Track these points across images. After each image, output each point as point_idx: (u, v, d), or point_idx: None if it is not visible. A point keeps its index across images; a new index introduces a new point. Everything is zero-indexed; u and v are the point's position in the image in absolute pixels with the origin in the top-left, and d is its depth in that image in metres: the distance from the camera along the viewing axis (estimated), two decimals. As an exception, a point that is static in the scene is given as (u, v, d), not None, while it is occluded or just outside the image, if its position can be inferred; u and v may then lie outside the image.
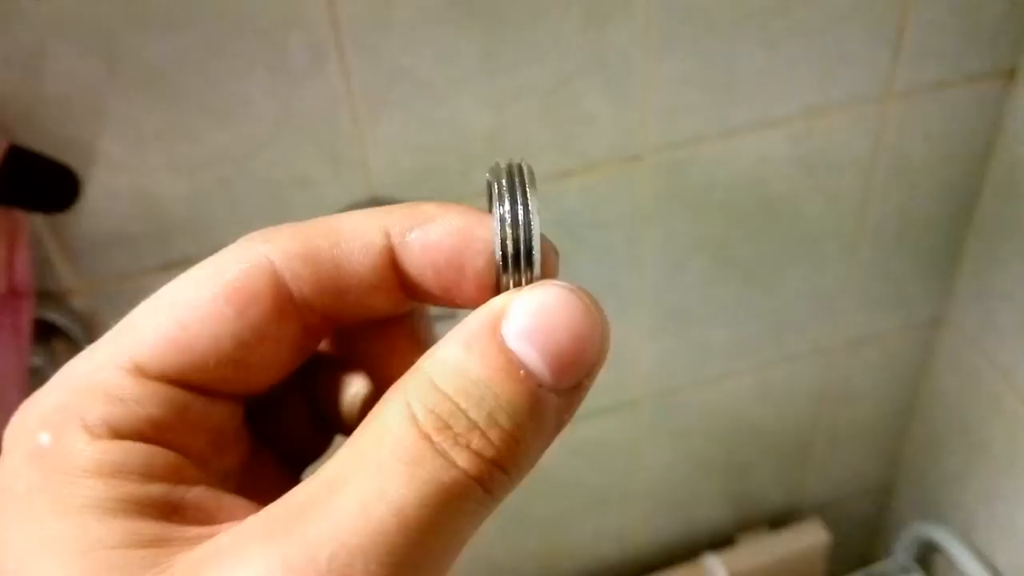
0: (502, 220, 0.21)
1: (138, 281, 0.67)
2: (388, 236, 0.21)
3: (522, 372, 0.19)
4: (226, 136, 0.62)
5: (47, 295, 0.65)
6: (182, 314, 0.20)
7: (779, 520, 1.15)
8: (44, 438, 0.19)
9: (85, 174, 0.59)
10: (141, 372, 0.20)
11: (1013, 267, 0.87)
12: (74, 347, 0.67)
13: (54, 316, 0.66)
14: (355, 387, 0.25)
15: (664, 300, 0.86)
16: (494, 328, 0.19)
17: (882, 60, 0.75)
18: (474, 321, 0.20)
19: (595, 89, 0.68)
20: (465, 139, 0.67)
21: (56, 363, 0.67)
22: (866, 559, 1.23)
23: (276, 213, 0.66)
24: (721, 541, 1.12)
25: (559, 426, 0.20)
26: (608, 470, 1.01)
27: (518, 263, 0.21)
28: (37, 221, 0.61)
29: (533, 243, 0.21)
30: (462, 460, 0.18)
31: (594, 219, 0.76)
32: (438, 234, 0.21)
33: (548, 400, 0.19)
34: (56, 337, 0.67)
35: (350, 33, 0.60)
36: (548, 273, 0.22)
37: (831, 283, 0.91)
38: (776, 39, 0.70)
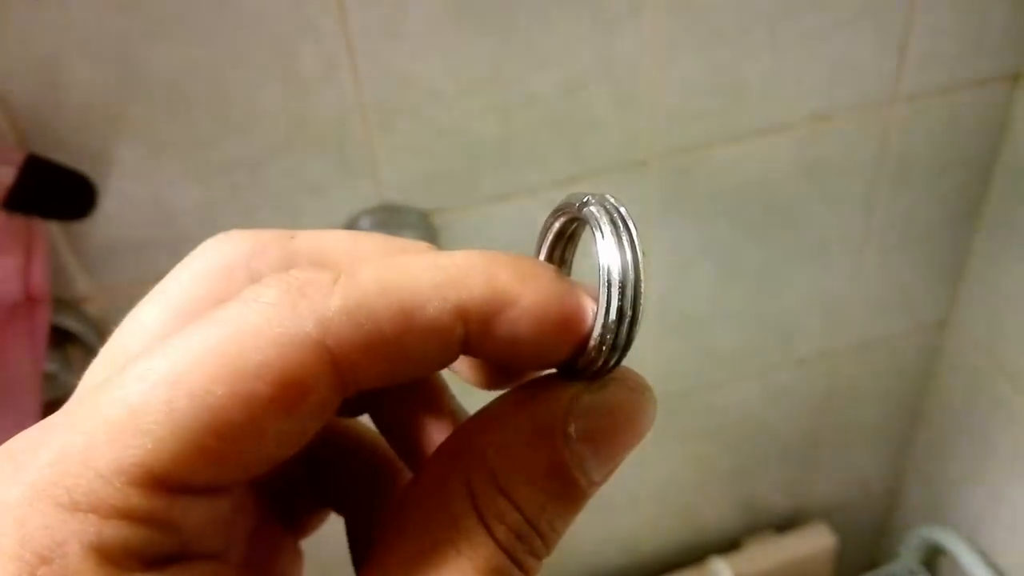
0: (610, 284, 0.19)
1: (151, 288, 0.67)
2: (465, 322, 0.18)
3: (582, 480, 0.19)
4: (239, 144, 0.63)
5: (62, 302, 0.66)
6: (217, 420, 0.15)
7: (786, 524, 1.15)
8: (43, 573, 0.14)
9: (101, 182, 0.60)
10: (160, 484, 0.15)
11: (1018, 270, 0.87)
12: (89, 353, 0.68)
13: (69, 322, 0.67)
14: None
15: (671, 304, 0.86)
16: (562, 427, 0.19)
17: (887, 65, 0.75)
18: (544, 414, 0.19)
19: (602, 95, 0.69)
20: (474, 146, 0.68)
21: (71, 369, 0.68)
22: (873, 562, 1.23)
23: (289, 220, 0.67)
24: (728, 545, 1.12)
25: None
26: (615, 474, 1.01)
27: (620, 326, 0.19)
28: (53, 229, 0.62)
29: (639, 308, 0.19)
30: (530, 566, 0.19)
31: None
32: (527, 323, 0.18)
33: (592, 492, 0.20)
34: (71, 343, 0.68)
35: (361, 43, 0.61)
36: None
37: (837, 287, 0.91)
38: (782, 45, 0.71)
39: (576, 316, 0.19)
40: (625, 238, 0.19)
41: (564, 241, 0.22)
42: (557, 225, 0.21)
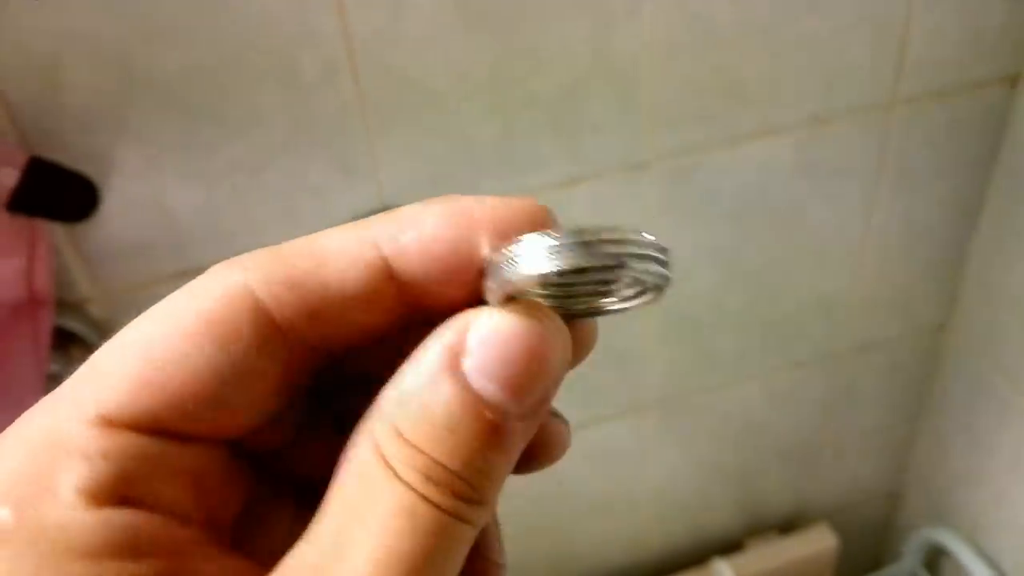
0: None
1: (153, 289, 0.68)
2: (377, 247, 0.19)
3: (488, 414, 0.18)
4: (240, 147, 0.63)
5: (65, 303, 0.66)
6: (153, 352, 0.18)
7: (788, 525, 1.16)
8: (4, 514, 0.16)
9: (103, 184, 0.60)
10: (109, 423, 0.17)
11: (1018, 272, 0.87)
12: (90, 353, 0.68)
13: (72, 323, 0.67)
14: None
15: (672, 307, 0.86)
16: (454, 367, 0.18)
17: (886, 69, 0.75)
18: (433, 357, 0.18)
19: (602, 98, 0.69)
20: (474, 148, 0.69)
21: (73, 369, 0.68)
22: (875, 563, 1.23)
23: (288, 222, 0.67)
24: (730, 546, 1.12)
25: (526, 440, 0.20)
26: (617, 476, 1.01)
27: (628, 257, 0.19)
28: (56, 231, 0.63)
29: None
30: (451, 506, 0.18)
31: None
32: (435, 227, 0.19)
33: (514, 427, 0.19)
34: (73, 344, 0.68)
35: (361, 47, 0.61)
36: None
37: (837, 289, 0.92)
38: (781, 47, 0.71)
39: (482, 204, 0.20)
40: None
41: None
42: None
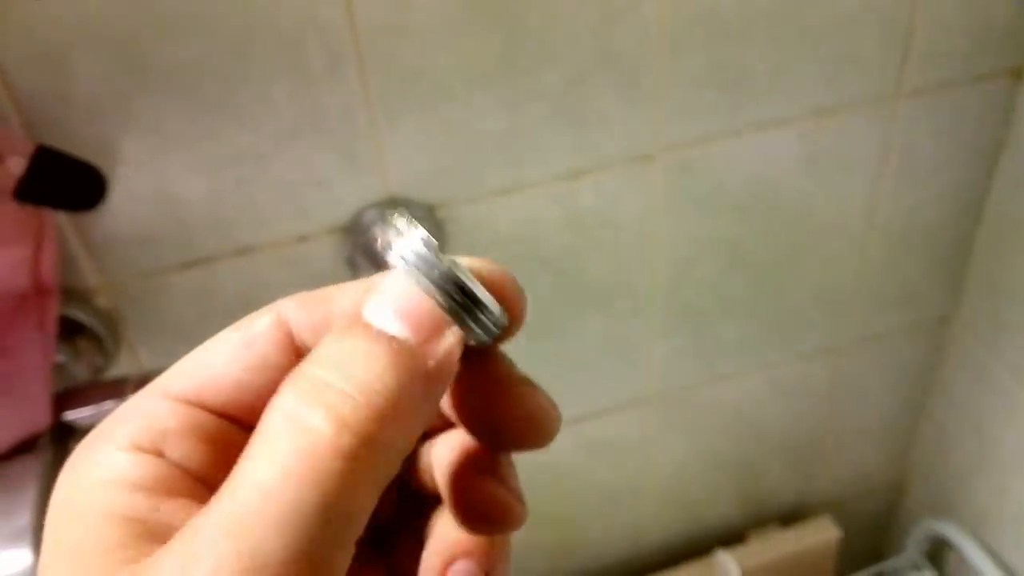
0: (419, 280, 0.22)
1: (159, 279, 0.68)
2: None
3: (378, 332, 0.21)
4: (246, 137, 0.63)
5: (71, 293, 0.67)
6: (206, 349, 0.23)
7: (790, 517, 1.16)
8: (79, 453, 0.22)
9: (110, 174, 0.61)
10: (166, 394, 0.22)
11: (1021, 265, 0.87)
12: (97, 344, 0.69)
13: (78, 313, 0.67)
14: None
15: (675, 298, 0.87)
16: (356, 309, 0.22)
17: (891, 60, 0.75)
18: (341, 317, 0.23)
19: (608, 90, 0.69)
20: (480, 140, 0.69)
21: (79, 359, 0.69)
22: (877, 555, 1.24)
23: (294, 213, 0.68)
24: (733, 538, 1.13)
25: (432, 385, 0.21)
26: (620, 467, 1.02)
27: (464, 305, 0.22)
28: (62, 220, 0.63)
29: (466, 284, 0.22)
30: (318, 419, 0.19)
31: (607, 218, 0.77)
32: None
33: (412, 353, 0.21)
34: (80, 334, 0.68)
35: (368, 38, 0.61)
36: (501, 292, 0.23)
37: (841, 281, 0.92)
38: (785, 40, 0.71)
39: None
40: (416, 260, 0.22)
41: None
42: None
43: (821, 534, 1.10)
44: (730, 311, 0.90)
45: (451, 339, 0.22)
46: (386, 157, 0.67)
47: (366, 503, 0.19)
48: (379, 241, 0.25)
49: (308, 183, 0.67)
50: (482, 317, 0.22)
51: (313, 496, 0.18)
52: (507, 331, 0.24)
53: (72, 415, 0.65)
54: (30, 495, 0.61)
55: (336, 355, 0.21)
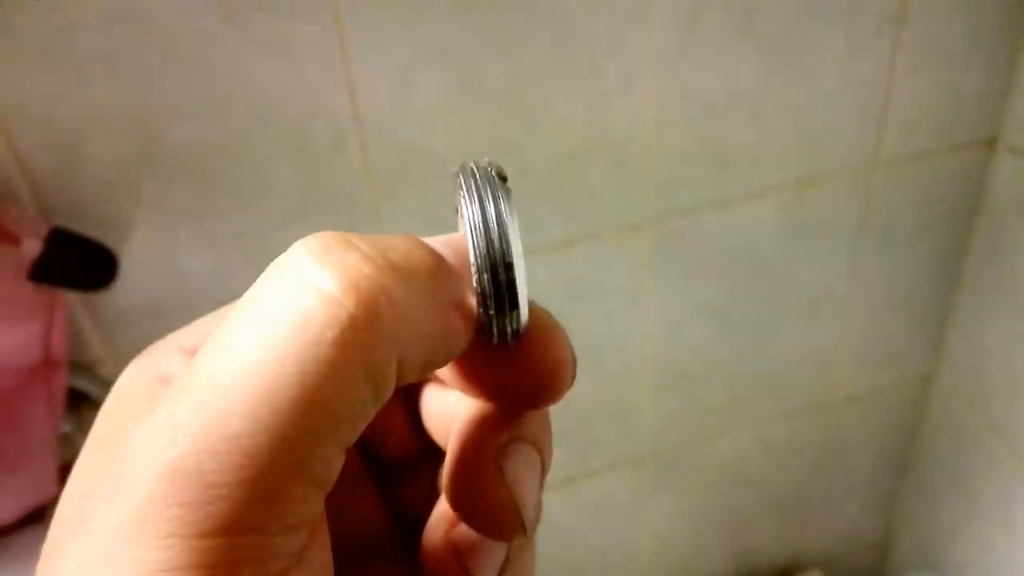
0: (475, 246, 0.19)
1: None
2: None
3: (420, 240, 0.19)
4: (252, 214, 0.66)
5: (77, 364, 0.68)
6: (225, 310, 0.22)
7: (781, 573, 1.17)
8: (146, 352, 0.22)
9: (119, 251, 0.62)
10: (181, 349, 0.22)
11: (1000, 325, 0.89)
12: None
13: (83, 383, 0.69)
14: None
15: (665, 361, 0.88)
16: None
17: (868, 132, 0.78)
18: None
19: (597, 166, 0.72)
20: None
21: (84, 429, 0.70)
22: (867, 611, 1.24)
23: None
24: (724, 595, 1.13)
25: (457, 315, 0.19)
26: (612, 527, 1.02)
27: (499, 296, 0.19)
28: (71, 295, 0.64)
29: (515, 276, 0.19)
30: (327, 277, 0.17)
31: (597, 284, 0.80)
32: None
33: (448, 270, 0.19)
34: (85, 404, 0.70)
35: (370, 120, 0.64)
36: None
37: (825, 343, 0.94)
38: (767, 115, 0.74)
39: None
40: (483, 175, 0.20)
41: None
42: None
43: (811, 590, 1.11)
44: (718, 373, 0.92)
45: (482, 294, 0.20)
46: (385, 229, 0.69)
47: (356, 405, 0.17)
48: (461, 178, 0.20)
49: (309, 256, 0.69)
50: (507, 316, 0.20)
51: (293, 377, 0.16)
52: (542, 393, 0.21)
53: (78, 485, 0.66)
54: (36, 566, 0.61)
55: (373, 236, 0.19)
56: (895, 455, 1.10)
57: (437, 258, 0.19)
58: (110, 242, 0.62)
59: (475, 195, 0.19)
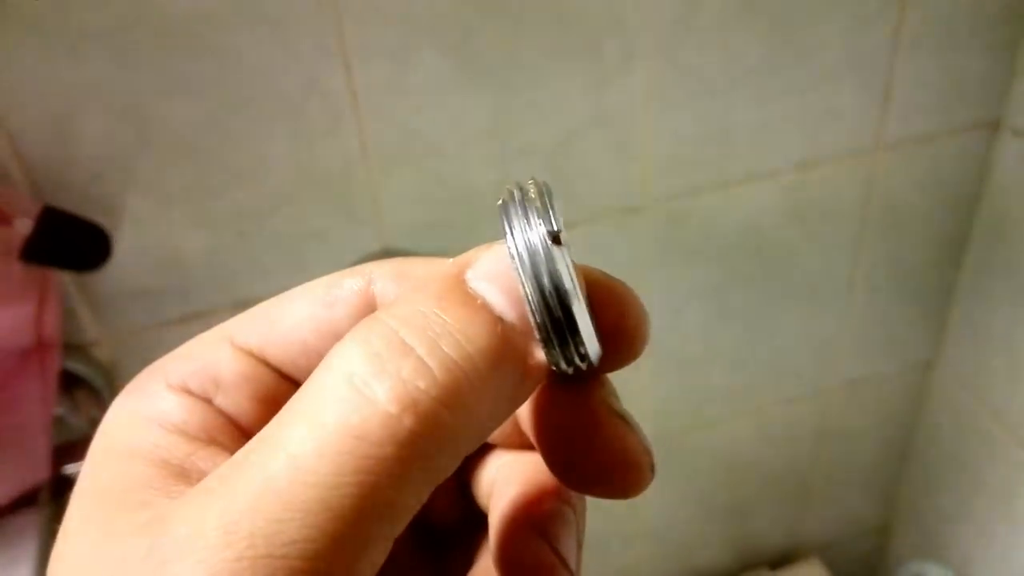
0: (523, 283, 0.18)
1: (158, 332, 0.69)
2: None
3: (479, 301, 0.18)
4: (246, 193, 0.65)
5: (71, 346, 0.68)
6: (286, 299, 0.21)
7: (779, 560, 1.16)
8: (134, 383, 0.21)
9: (112, 231, 0.62)
10: (232, 341, 0.21)
11: (1003, 310, 0.89)
12: (96, 396, 0.69)
13: (77, 366, 0.68)
14: None
15: (665, 345, 0.88)
16: (459, 271, 0.18)
17: (871, 114, 0.78)
18: (438, 272, 0.19)
19: (597, 145, 0.71)
20: (473, 194, 0.70)
21: (78, 412, 0.69)
22: (866, 598, 1.24)
23: (293, 266, 0.69)
24: (723, 581, 1.13)
25: (522, 382, 0.18)
26: (610, 513, 1.02)
27: (559, 330, 0.18)
28: (64, 275, 0.64)
29: (572, 305, 0.18)
30: (383, 391, 0.16)
31: (597, 267, 0.79)
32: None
33: (510, 340, 0.18)
34: (78, 387, 0.69)
35: (366, 99, 0.63)
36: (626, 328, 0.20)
37: (827, 327, 0.93)
38: (768, 97, 0.73)
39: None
40: (526, 200, 0.19)
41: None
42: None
43: (810, 577, 1.10)
44: (717, 358, 0.91)
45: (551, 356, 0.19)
46: (382, 211, 0.69)
47: (411, 501, 0.16)
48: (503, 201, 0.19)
49: (306, 236, 0.69)
50: (570, 346, 0.19)
51: (352, 486, 0.15)
52: (619, 360, 0.20)
53: (71, 468, 0.66)
54: (30, 548, 0.61)
55: (425, 314, 0.17)
56: (896, 442, 1.10)
57: (496, 332, 0.18)
58: (103, 222, 0.61)
59: (519, 232, 0.18)
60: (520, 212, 0.19)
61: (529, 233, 0.18)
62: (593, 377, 0.21)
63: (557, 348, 0.18)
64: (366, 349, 0.17)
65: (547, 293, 0.18)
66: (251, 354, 0.21)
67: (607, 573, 1.09)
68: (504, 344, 0.18)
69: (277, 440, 0.16)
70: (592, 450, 0.20)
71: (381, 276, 0.21)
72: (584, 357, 0.19)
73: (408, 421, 0.16)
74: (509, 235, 0.18)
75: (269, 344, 0.21)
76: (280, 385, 0.21)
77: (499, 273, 0.18)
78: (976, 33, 0.76)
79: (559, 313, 0.18)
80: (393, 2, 0.60)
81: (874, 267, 0.89)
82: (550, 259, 0.18)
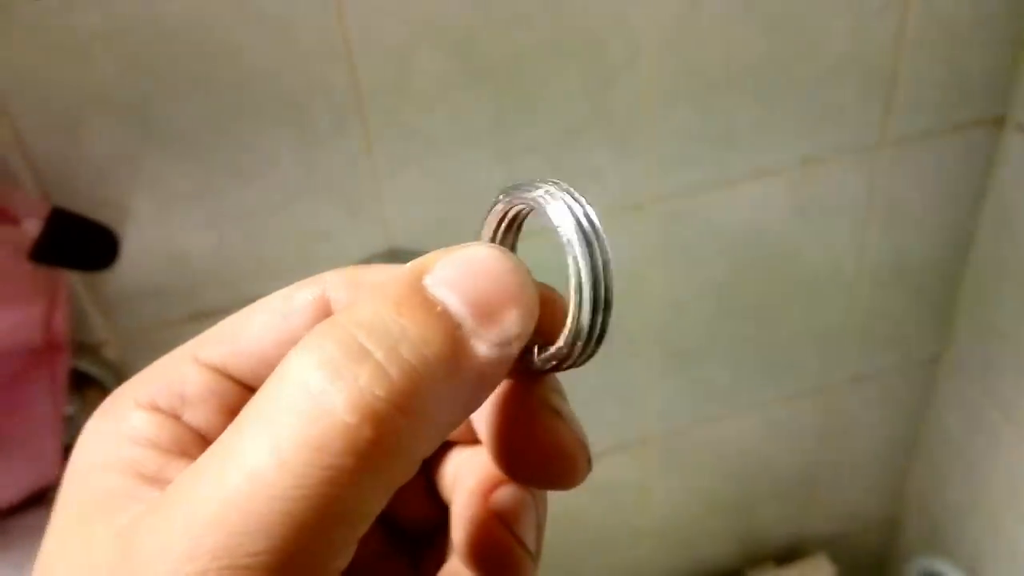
0: (580, 285, 0.19)
1: (167, 331, 0.70)
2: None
3: (439, 308, 0.18)
4: (253, 193, 0.65)
5: (81, 346, 0.68)
6: (246, 315, 0.22)
7: (786, 555, 1.16)
8: (104, 405, 0.22)
9: (120, 231, 0.62)
10: (195, 358, 0.22)
11: (1009, 306, 0.89)
12: (106, 396, 0.70)
13: (87, 366, 0.69)
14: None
15: (669, 342, 0.88)
16: (416, 278, 0.18)
17: (874, 111, 0.78)
18: (395, 277, 0.19)
19: (600, 143, 0.71)
20: (476, 192, 0.71)
21: (88, 411, 0.69)
22: (873, 593, 1.24)
23: (299, 265, 0.69)
24: (730, 577, 1.13)
25: (480, 386, 0.19)
26: (617, 508, 1.02)
27: (604, 298, 0.20)
28: (73, 275, 0.64)
29: (603, 302, 0.20)
30: (340, 400, 0.16)
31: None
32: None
33: (468, 345, 0.18)
34: (88, 386, 0.70)
35: (371, 99, 0.63)
36: None
37: (831, 323, 0.93)
38: (771, 94, 0.73)
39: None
40: (591, 239, 0.20)
41: (510, 226, 0.22)
42: (500, 208, 0.22)
43: (817, 572, 1.10)
44: (722, 354, 0.92)
45: (511, 356, 0.19)
46: (387, 209, 0.69)
47: (372, 507, 0.17)
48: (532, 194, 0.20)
49: (313, 235, 0.69)
50: (601, 321, 0.20)
51: (312, 498, 0.16)
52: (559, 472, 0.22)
53: (81, 467, 0.66)
54: (40, 548, 0.62)
55: (383, 318, 0.17)
56: (903, 436, 1.10)
57: (455, 337, 0.18)
58: (111, 222, 0.61)
59: (584, 249, 0.19)
60: (569, 196, 0.20)
61: (578, 212, 0.19)
62: (540, 377, 0.22)
63: (597, 320, 0.19)
64: (320, 356, 0.17)
65: (599, 266, 0.19)
66: (215, 369, 0.22)
67: (614, 568, 1.09)
68: (463, 349, 0.18)
69: (237, 450, 0.16)
70: (528, 445, 0.21)
71: (335, 285, 0.22)
72: (604, 331, 0.20)
73: (367, 431, 0.16)
74: (567, 210, 0.19)
75: (231, 357, 0.22)
76: (245, 397, 0.20)
77: (458, 278, 0.18)
78: (980, 29, 0.76)
79: (604, 285, 0.19)
80: (396, 1, 0.61)
81: (879, 263, 0.89)
82: (601, 236, 0.19)
